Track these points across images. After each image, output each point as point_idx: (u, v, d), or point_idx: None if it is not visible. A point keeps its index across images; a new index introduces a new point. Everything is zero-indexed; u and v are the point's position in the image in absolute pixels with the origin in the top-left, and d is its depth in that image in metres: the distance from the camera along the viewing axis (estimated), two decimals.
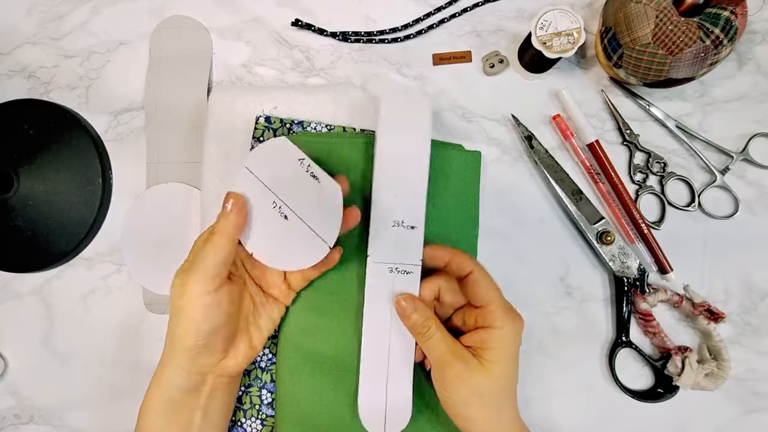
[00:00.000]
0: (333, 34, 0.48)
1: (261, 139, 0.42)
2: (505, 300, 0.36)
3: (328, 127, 0.43)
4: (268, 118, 0.43)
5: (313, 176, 0.36)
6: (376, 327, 0.38)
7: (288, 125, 0.43)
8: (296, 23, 0.48)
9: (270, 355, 0.42)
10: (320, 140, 0.41)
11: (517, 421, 0.36)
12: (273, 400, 0.42)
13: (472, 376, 0.34)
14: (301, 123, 0.43)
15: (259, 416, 0.42)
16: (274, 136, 0.42)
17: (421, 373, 0.40)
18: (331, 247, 0.36)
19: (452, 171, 0.42)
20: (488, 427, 0.35)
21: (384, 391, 0.38)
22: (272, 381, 0.42)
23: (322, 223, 0.36)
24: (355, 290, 0.40)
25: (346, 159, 0.41)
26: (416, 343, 0.38)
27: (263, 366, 0.42)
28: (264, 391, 0.42)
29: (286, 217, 0.36)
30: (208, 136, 0.43)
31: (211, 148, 0.43)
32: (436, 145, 0.42)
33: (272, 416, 0.42)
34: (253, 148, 0.42)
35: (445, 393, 0.35)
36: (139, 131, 0.48)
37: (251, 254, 0.36)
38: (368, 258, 0.38)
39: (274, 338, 0.42)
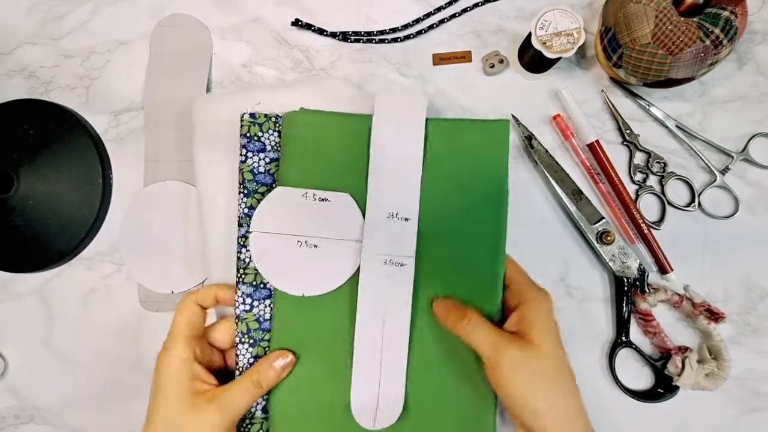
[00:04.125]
0: (333, 34, 0.48)
1: (248, 134, 0.41)
2: (529, 278, 0.38)
3: None
4: (252, 114, 0.41)
5: (321, 200, 0.39)
6: (369, 319, 0.38)
7: (273, 118, 0.41)
8: (296, 23, 0.48)
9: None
10: (319, 119, 0.40)
11: (584, 414, 0.34)
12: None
13: (527, 359, 0.33)
14: None
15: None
16: (260, 129, 0.41)
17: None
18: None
19: (475, 146, 0.40)
20: (557, 419, 0.32)
21: (377, 383, 0.38)
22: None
23: (349, 229, 0.39)
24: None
25: (344, 138, 0.40)
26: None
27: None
28: None
29: (315, 246, 0.39)
30: (196, 144, 0.43)
31: (201, 156, 0.43)
32: (455, 121, 0.41)
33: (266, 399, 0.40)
34: (241, 146, 0.41)
35: (504, 388, 0.33)
36: (139, 131, 0.48)
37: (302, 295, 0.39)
38: (363, 249, 0.38)
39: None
